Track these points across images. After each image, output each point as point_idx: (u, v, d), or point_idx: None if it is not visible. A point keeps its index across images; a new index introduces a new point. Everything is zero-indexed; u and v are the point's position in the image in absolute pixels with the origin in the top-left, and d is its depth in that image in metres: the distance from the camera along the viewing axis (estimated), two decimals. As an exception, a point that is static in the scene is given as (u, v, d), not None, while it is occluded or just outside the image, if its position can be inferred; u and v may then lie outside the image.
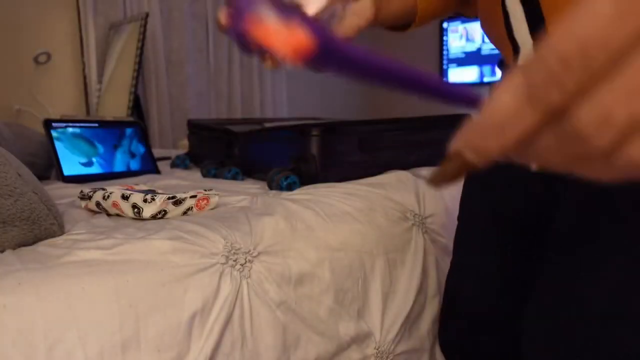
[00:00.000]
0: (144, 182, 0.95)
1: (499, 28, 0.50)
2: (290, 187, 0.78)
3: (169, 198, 0.62)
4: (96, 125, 1.07)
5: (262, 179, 0.88)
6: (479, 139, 0.20)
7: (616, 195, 0.39)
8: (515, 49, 0.49)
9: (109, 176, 1.02)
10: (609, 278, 0.39)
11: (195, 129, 1.22)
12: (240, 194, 0.76)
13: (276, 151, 0.89)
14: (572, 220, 0.44)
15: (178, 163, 1.18)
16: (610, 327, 0.39)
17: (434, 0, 0.65)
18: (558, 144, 0.18)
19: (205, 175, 1.00)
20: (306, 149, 0.79)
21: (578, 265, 0.42)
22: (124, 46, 1.88)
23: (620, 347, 0.38)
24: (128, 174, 1.05)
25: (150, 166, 1.11)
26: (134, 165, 1.09)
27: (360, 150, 0.83)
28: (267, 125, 1.08)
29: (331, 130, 0.81)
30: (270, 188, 0.80)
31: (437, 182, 0.23)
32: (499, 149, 0.19)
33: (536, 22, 0.46)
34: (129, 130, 1.12)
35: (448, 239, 0.77)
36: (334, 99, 2.93)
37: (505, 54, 0.52)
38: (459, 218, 0.63)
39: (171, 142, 2.24)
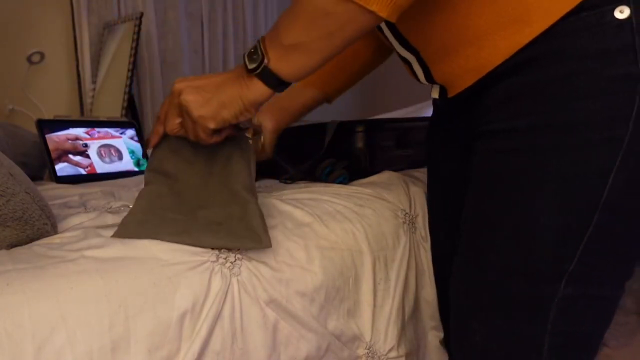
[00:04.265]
0: (138, 182, 0.96)
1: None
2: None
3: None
4: (90, 125, 1.07)
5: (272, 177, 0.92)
6: (151, 130, 0.61)
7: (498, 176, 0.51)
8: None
9: (103, 177, 1.02)
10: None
11: None
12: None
13: (294, 149, 0.90)
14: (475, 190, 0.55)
15: None
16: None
17: (343, 78, 0.80)
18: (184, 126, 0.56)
19: None
20: (352, 145, 0.83)
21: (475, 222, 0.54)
22: (118, 46, 1.88)
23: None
24: (122, 174, 1.05)
25: (144, 167, 1.11)
26: (128, 166, 1.09)
27: (396, 146, 0.89)
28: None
29: (374, 126, 0.85)
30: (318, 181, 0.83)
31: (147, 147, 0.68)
32: (157, 132, 0.59)
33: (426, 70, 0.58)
34: (123, 131, 1.12)
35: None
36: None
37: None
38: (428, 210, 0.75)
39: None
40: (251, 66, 0.49)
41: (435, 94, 0.61)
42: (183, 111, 0.54)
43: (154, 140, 0.60)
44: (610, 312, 0.50)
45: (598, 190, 0.44)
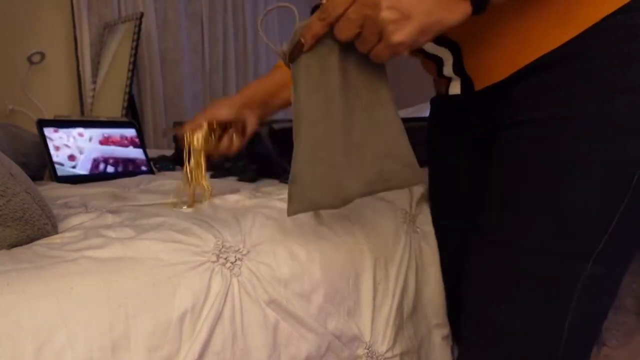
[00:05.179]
0: (138, 182, 0.96)
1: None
2: None
3: None
4: (90, 125, 1.07)
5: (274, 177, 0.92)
6: (307, 29, 0.49)
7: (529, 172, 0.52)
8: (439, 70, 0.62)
9: (103, 177, 1.02)
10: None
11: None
12: (234, 193, 0.76)
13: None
14: (500, 188, 0.55)
15: (164, 167, 1.17)
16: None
17: None
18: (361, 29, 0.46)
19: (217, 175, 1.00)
20: None
21: (500, 222, 0.54)
22: (118, 46, 1.88)
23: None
24: (122, 174, 1.05)
25: (144, 167, 1.11)
26: (128, 166, 1.09)
27: None
28: (276, 126, 1.08)
29: None
30: None
31: (289, 56, 0.51)
32: (315, 33, 0.48)
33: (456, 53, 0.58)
34: (123, 131, 1.12)
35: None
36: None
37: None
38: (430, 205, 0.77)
39: (166, 143, 2.23)
40: None
41: (456, 89, 0.60)
42: (375, 29, 0.45)
43: (310, 43, 0.49)
44: (617, 290, 0.53)
45: (629, 176, 0.47)
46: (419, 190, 0.79)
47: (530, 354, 0.52)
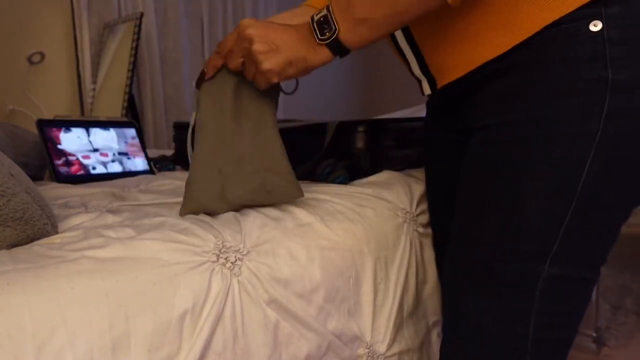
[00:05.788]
0: (138, 182, 0.96)
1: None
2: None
3: None
4: (90, 125, 1.07)
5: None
6: (208, 61, 0.62)
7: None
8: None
9: (104, 177, 1.02)
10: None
11: (182, 130, 1.21)
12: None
13: (294, 149, 0.90)
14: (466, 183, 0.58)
15: (164, 167, 1.17)
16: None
17: None
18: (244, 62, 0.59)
19: None
20: (352, 145, 0.84)
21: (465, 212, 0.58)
22: (118, 46, 1.88)
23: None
24: (122, 174, 1.05)
25: (144, 167, 1.11)
26: (129, 166, 1.09)
27: (397, 146, 0.89)
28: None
29: (374, 127, 0.85)
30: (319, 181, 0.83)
31: (195, 83, 0.63)
32: (213, 65, 0.62)
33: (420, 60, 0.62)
34: (123, 131, 1.12)
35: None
36: (330, 99, 2.93)
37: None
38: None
39: (166, 143, 2.23)
40: (322, 37, 0.54)
41: (427, 89, 0.65)
42: (251, 59, 0.57)
43: (210, 72, 0.63)
44: (588, 294, 0.54)
45: (576, 178, 0.49)
46: (419, 189, 0.79)
47: (498, 353, 0.53)
